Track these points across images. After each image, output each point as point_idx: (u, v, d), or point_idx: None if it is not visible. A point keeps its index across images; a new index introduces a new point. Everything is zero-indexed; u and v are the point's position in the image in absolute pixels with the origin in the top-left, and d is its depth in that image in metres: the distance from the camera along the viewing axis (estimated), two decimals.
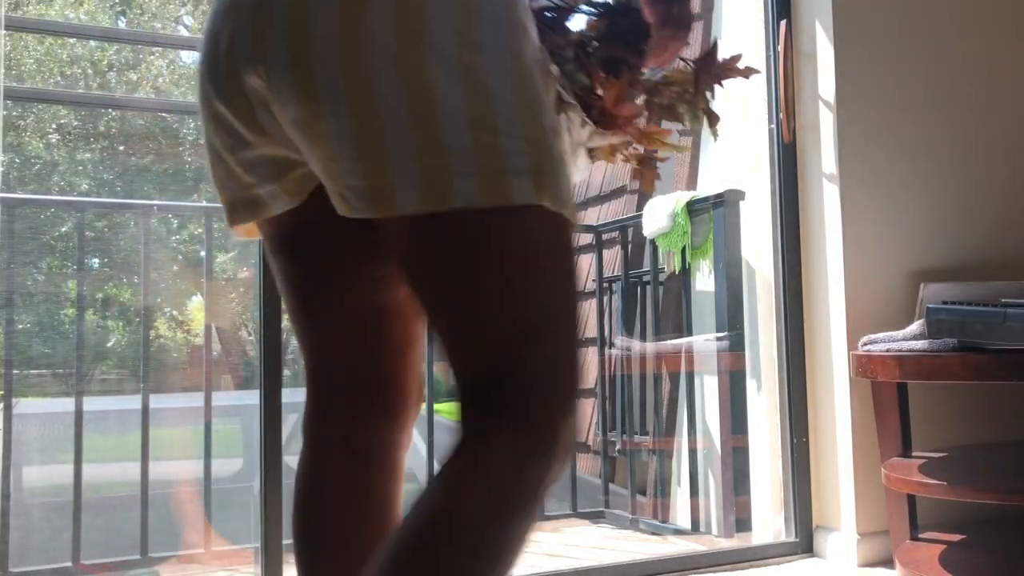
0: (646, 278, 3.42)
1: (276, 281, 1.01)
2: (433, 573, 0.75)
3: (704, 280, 2.92)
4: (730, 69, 1.16)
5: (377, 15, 0.78)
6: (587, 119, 1.07)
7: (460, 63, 0.79)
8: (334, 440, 0.98)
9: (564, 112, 1.05)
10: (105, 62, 9.79)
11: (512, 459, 0.78)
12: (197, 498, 2.39)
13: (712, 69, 1.15)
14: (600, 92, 1.07)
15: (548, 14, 1.10)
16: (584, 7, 1.12)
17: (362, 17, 0.78)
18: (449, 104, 0.77)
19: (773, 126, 2.31)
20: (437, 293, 0.83)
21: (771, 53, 2.33)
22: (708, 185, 3.21)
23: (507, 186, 0.78)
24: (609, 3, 1.13)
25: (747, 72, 1.18)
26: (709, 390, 2.84)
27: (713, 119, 1.18)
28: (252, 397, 1.88)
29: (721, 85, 1.17)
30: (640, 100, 1.14)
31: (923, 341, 1.86)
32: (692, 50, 1.18)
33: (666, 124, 1.20)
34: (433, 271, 0.82)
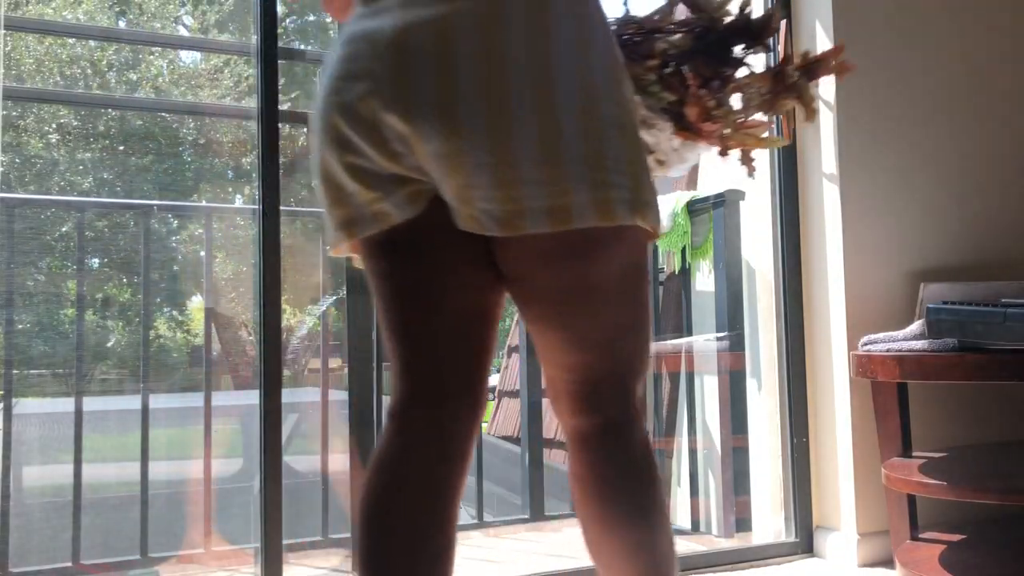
0: None
1: (375, 282, 1.10)
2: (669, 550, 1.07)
3: (704, 280, 2.92)
4: (820, 66, 1.18)
5: (516, 75, 0.97)
6: (676, 132, 1.13)
7: (581, 113, 0.99)
8: (423, 428, 1.08)
9: (653, 126, 1.12)
10: (105, 62, 9.79)
11: (645, 436, 1.08)
12: (197, 498, 2.39)
13: (804, 68, 1.17)
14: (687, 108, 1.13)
15: (632, 38, 1.14)
16: (669, 27, 1.15)
17: (504, 75, 0.97)
18: (571, 148, 0.97)
19: (773, 126, 2.31)
20: (564, 298, 1.04)
21: (771, 53, 2.33)
22: (708, 185, 3.21)
23: (614, 211, 0.99)
24: (692, 20, 1.16)
25: (841, 68, 1.19)
26: (709, 390, 2.84)
27: (811, 114, 1.21)
28: (252, 397, 1.88)
29: (816, 83, 1.19)
30: (734, 98, 1.17)
31: (923, 341, 1.86)
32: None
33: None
34: (562, 280, 1.03)
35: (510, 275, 1.07)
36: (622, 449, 1.07)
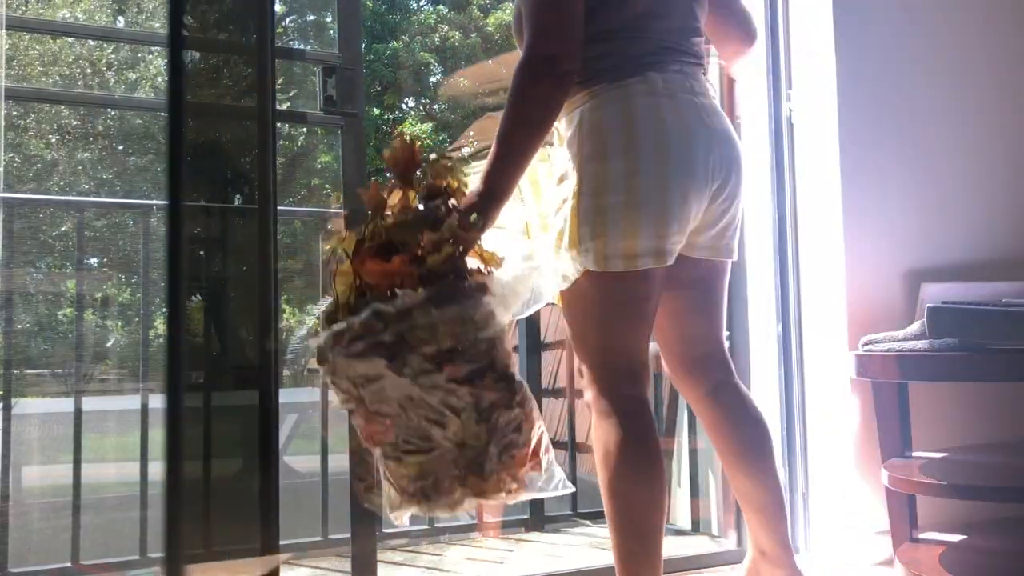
0: None
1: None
2: None
3: None
4: None
5: None
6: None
7: None
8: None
9: None
10: (104, 61, 9.78)
11: None
12: (196, 498, 2.39)
13: None
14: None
15: None
16: None
17: None
18: None
19: (773, 125, 2.31)
20: None
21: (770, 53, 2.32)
22: None
23: None
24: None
25: None
26: None
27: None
28: (251, 397, 1.87)
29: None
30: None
31: (923, 341, 1.86)
32: None
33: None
34: None
35: None
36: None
